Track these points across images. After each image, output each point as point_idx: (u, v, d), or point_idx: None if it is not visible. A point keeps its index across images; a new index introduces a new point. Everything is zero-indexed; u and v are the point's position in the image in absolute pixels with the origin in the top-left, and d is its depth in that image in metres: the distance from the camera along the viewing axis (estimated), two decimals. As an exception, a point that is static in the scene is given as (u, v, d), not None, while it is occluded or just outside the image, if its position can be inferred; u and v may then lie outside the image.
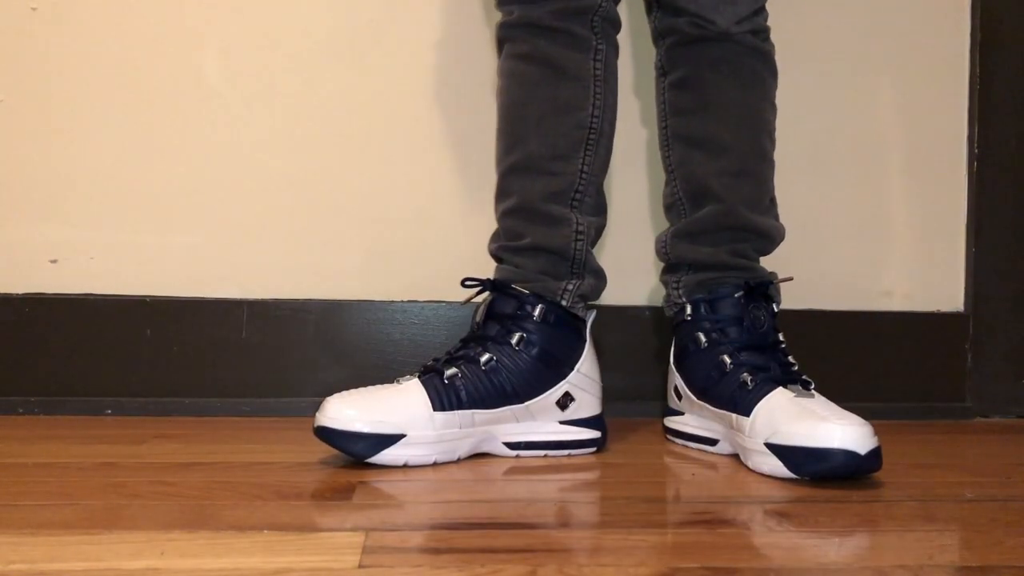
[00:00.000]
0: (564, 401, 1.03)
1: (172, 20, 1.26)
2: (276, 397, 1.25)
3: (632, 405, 1.27)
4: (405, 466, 0.94)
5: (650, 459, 1.03)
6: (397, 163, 1.29)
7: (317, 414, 0.95)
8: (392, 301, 1.28)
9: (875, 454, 0.90)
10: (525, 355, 1.01)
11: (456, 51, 1.29)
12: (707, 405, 1.04)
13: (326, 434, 0.94)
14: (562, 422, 1.03)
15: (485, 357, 1.00)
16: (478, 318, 1.04)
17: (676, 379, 1.10)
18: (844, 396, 1.08)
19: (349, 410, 0.93)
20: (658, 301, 1.26)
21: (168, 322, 1.24)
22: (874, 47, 1.35)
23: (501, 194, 1.08)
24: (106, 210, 1.26)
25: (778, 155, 1.12)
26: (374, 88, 1.28)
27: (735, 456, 1.02)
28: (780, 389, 0.97)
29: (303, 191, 1.28)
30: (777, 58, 1.11)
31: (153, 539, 0.69)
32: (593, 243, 1.07)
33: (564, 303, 1.03)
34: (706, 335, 1.05)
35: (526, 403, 1.01)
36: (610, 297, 1.21)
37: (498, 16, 1.08)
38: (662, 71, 1.12)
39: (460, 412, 0.97)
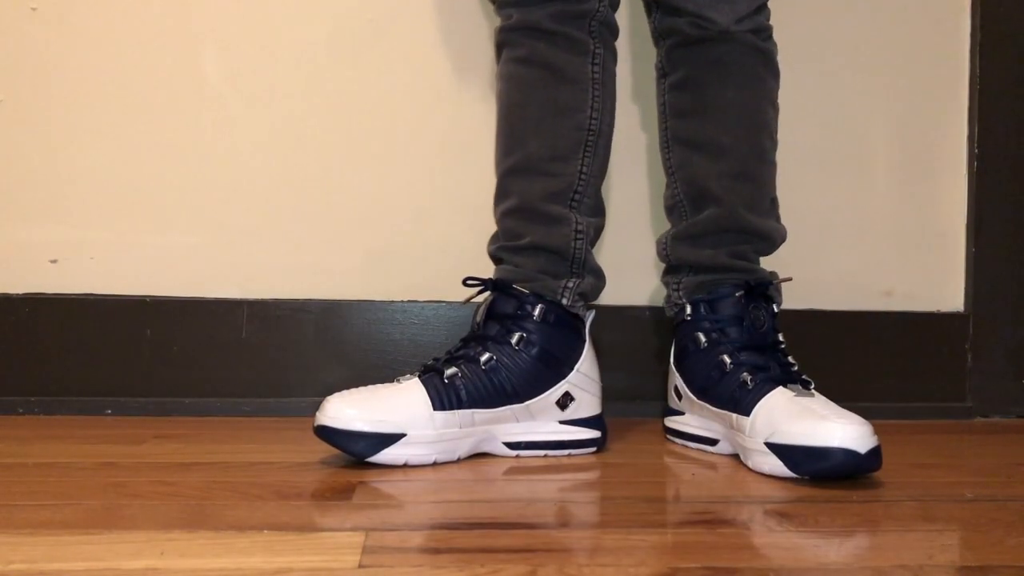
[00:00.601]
0: (564, 401, 1.03)
1: (172, 20, 1.26)
2: (276, 397, 1.25)
3: (632, 405, 1.27)
4: (405, 466, 0.94)
5: (650, 459, 1.03)
6: (397, 163, 1.29)
7: (317, 413, 0.95)
8: (392, 301, 1.28)
9: (875, 453, 0.90)
10: (525, 355, 1.01)
11: (456, 51, 1.29)
12: (707, 405, 1.04)
13: (326, 433, 0.94)
14: (562, 422, 1.03)
15: (485, 357, 1.00)
16: (479, 318, 1.04)
17: (676, 379, 1.10)
18: (844, 396, 1.08)
19: (349, 409, 0.93)
20: (658, 301, 1.26)
21: (168, 322, 1.24)
22: (873, 47, 1.35)
23: (500, 195, 1.08)
24: (106, 210, 1.26)
25: (778, 155, 1.12)
26: (374, 88, 1.28)
27: (735, 456, 1.02)
28: (780, 389, 0.97)
29: (303, 191, 1.28)
30: (777, 58, 1.11)
31: (153, 539, 0.69)
32: (592, 243, 1.07)
33: (564, 301, 1.03)
34: (706, 335, 1.05)
35: (526, 403, 1.01)
36: (610, 297, 1.21)
37: (497, 16, 1.08)
38: (662, 72, 1.12)
39: (460, 412, 0.97)
